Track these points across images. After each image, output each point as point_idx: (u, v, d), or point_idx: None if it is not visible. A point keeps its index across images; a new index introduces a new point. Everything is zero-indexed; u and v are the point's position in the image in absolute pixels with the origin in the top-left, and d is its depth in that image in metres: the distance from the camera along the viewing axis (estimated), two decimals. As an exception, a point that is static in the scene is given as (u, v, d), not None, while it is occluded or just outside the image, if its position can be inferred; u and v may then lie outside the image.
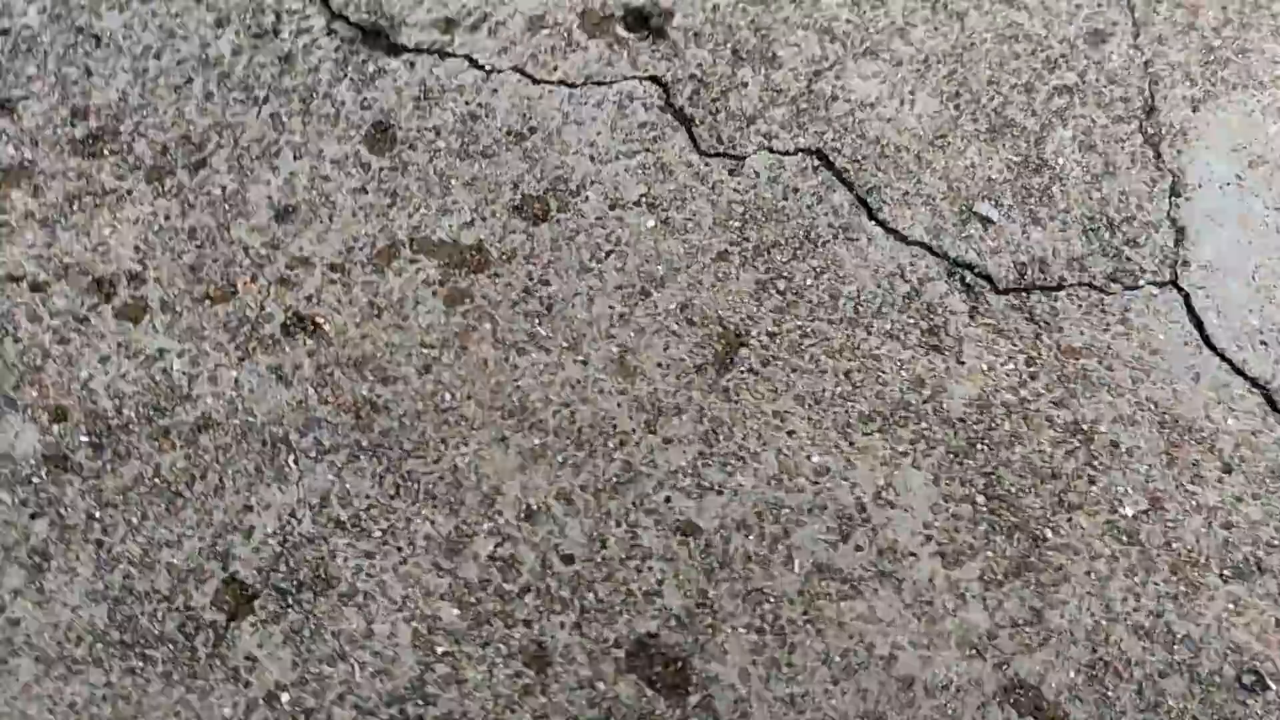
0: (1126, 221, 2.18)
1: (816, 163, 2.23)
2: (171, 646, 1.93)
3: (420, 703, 1.89)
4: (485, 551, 1.97)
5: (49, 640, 1.98)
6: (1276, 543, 1.92)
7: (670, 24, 2.29)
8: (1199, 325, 2.07)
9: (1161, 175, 2.20)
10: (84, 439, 2.07)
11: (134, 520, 2.01)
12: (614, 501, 2.00)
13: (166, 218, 2.20)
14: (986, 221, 2.19)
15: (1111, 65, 2.31)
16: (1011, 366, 2.07)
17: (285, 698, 1.90)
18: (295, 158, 2.22)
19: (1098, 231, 2.19)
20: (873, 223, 2.17)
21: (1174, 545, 1.94)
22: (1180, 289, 2.10)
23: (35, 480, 2.04)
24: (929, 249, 2.15)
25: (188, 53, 2.32)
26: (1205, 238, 2.12)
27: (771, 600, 1.94)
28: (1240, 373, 2.03)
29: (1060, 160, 2.25)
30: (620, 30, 2.29)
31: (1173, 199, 2.19)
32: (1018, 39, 2.33)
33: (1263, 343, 2.04)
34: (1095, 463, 1.99)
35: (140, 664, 1.92)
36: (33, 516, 2.00)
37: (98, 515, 2.03)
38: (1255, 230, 2.13)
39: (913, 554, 1.94)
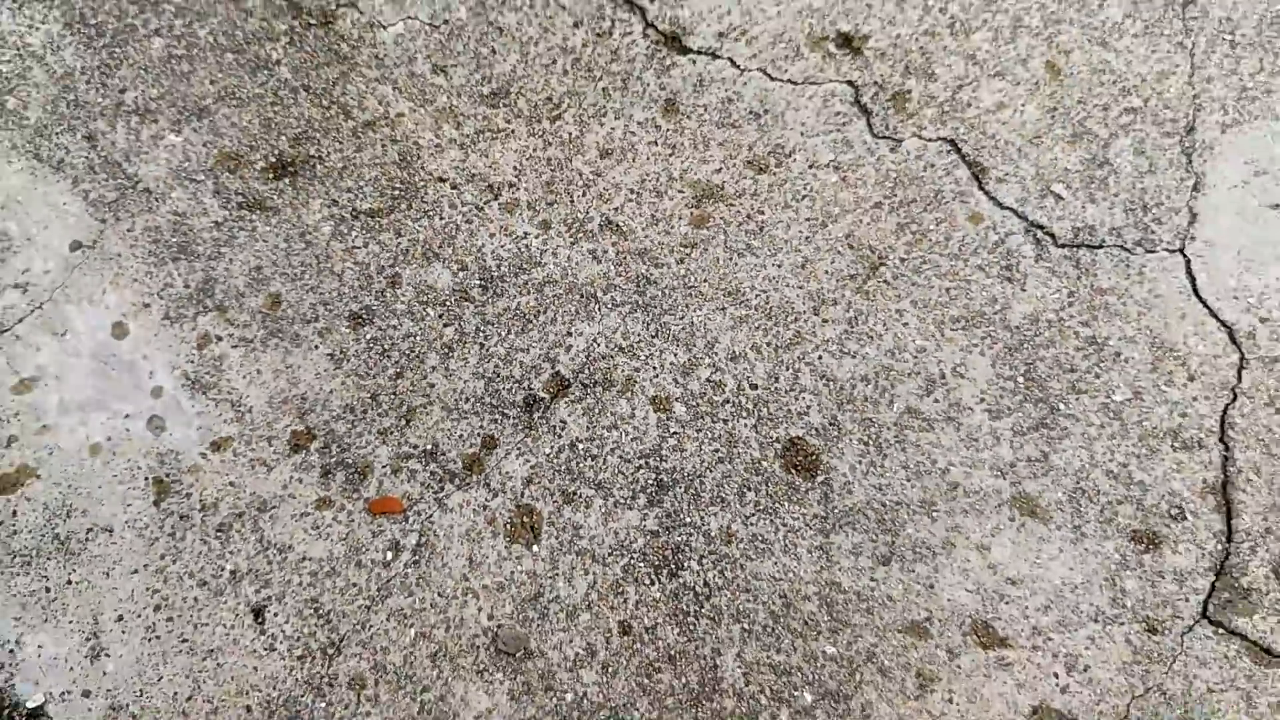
0: (1157, 205, 2.78)
1: (949, 148, 2.88)
2: (518, 410, 2.79)
3: (657, 459, 2.74)
4: (704, 376, 2.76)
5: (453, 399, 2.95)
6: (1214, 428, 2.61)
7: (865, 45, 2.91)
8: (1192, 281, 2.72)
9: (1188, 176, 2.79)
10: (476, 282, 2.84)
11: (502, 334, 2.80)
12: (787, 354, 2.77)
13: (533, 150, 2.92)
14: (1058, 198, 2.82)
15: (1168, 95, 2.87)
16: (1058, 296, 2.74)
17: (581, 447, 2.74)
18: (615, 118, 2.93)
19: (1135, 211, 2.80)
20: (981, 191, 2.85)
21: (1144, 423, 2.65)
22: (1185, 255, 2.75)
23: (447, 304, 2.83)
24: (1015, 212, 2.81)
25: (554, 43, 2.96)
26: (1210, 222, 2.73)
27: (876, 426, 2.71)
28: (1215, 316, 2.68)
29: (1119, 160, 2.85)
30: (831, 47, 2.91)
31: (1193, 193, 2.78)
32: (1105, 72, 2.90)
33: (1234, 297, 2.66)
34: (1102, 364, 2.69)
35: (499, 418, 2.81)
36: (445, 325, 2.80)
37: (482, 328, 2.82)
38: (1247, 220, 2.70)
39: (970, 408, 2.71)
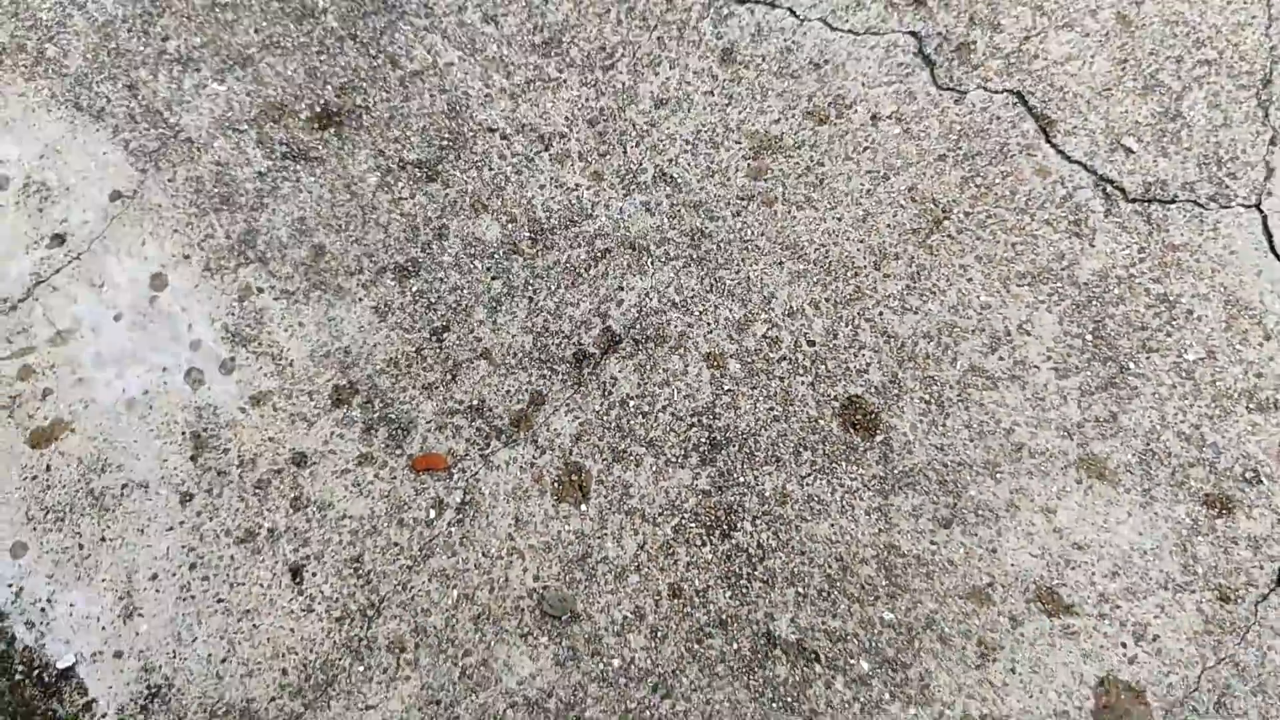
0: (1232, 160, 2.80)
1: (1016, 101, 2.90)
2: (567, 365, 2.78)
3: (710, 417, 2.72)
4: (760, 332, 2.76)
5: (499, 352, 2.92)
6: None
7: None
8: (1269, 238, 2.72)
9: (1265, 130, 2.82)
10: (526, 234, 2.86)
11: (552, 287, 2.82)
12: (846, 310, 2.77)
13: (585, 100, 2.94)
14: (1129, 151, 2.82)
15: (1244, 47, 2.91)
16: (1128, 252, 2.76)
17: (632, 404, 2.73)
18: (670, 68, 2.94)
19: (1209, 165, 2.81)
20: (1048, 145, 2.86)
21: (1218, 383, 2.63)
22: (1261, 211, 2.75)
23: (495, 256, 2.85)
24: (1084, 166, 2.83)
25: None
26: None
27: (938, 384, 2.70)
28: None
29: (1192, 113, 2.87)
30: None
31: (1270, 147, 2.81)
32: (1179, 23, 2.94)
33: None
34: (1173, 322, 2.68)
35: (548, 374, 2.79)
36: (493, 279, 2.80)
37: (531, 282, 2.83)
38: None
39: (1036, 367, 2.69)
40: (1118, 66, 2.91)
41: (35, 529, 2.75)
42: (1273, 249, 2.73)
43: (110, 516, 2.74)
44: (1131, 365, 2.70)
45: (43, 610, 2.69)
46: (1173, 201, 2.79)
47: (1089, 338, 2.73)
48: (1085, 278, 2.77)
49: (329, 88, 2.99)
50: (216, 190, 2.94)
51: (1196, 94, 2.88)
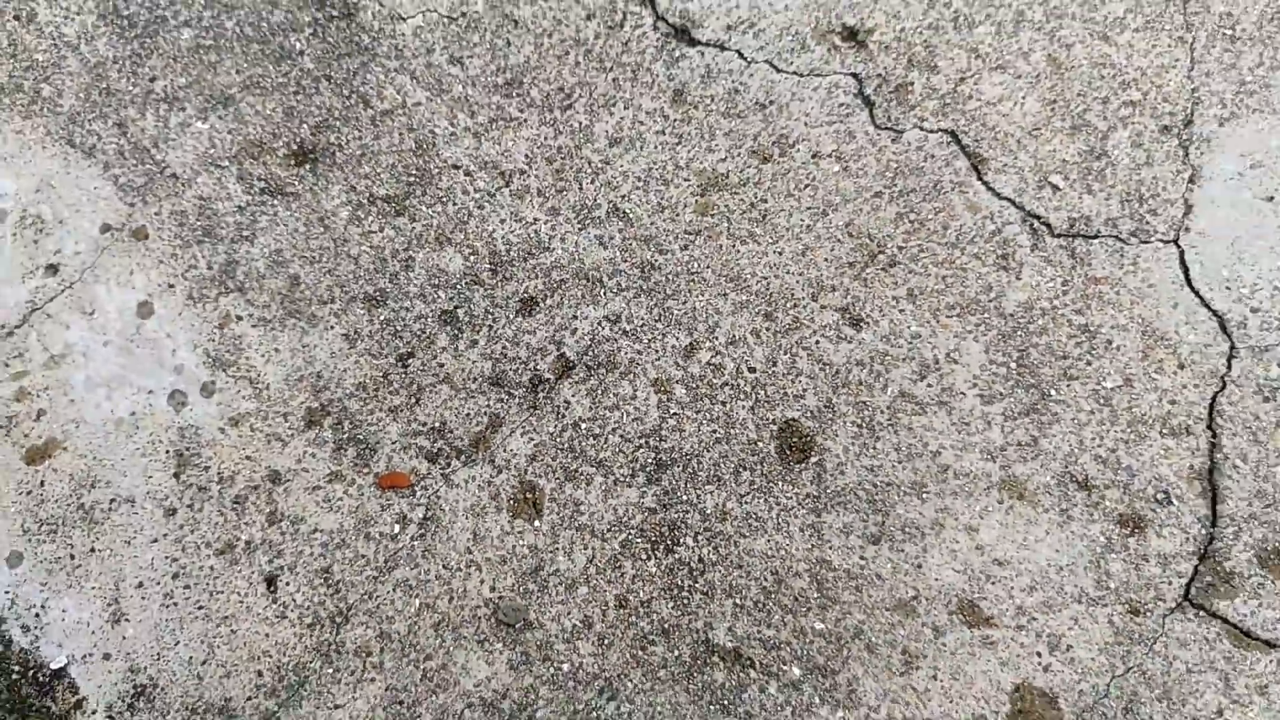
0: (1153, 197, 2.80)
1: (950, 139, 2.91)
2: (524, 390, 2.84)
3: (657, 439, 2.78)
4: (705, 359, 2.81)
5: (460, 378, 3.05)
6: (1202, 415, 2.62)
7: (870, 39, 2.98)
8: (1185, 271, 2.73)
9: (1185, 168, 2.82)
10: (487, 266, 2.89)
11: (509, 316, 2.87)
12: (784, 339, 2.80)
13: (544, 138, 2.96)
14: (1055, 189, 2.84)
15: (1168, 89, 2.89)
16: (1052, 285, 2.76)
17: (584, 426, 2.79)
18: (624, 108, 2.97)
19: (1130, 202, 2.81)
20: (979, 182, 2.87)
21: (1133, 410, 2.64)
22: (1179, 246, 2.77)
23: (457, 286, 2.87)
24: (1012, 202, 2.84)
25: (568, 35, 3.04)
26: (1204, 214, 2.75)
27: (870, 409, 2.73)
28: (1206, 305, 2.69)
29: (1116, 152, 2.86)
30: (836, 40, 2.98)
31: (1189, 185, 2.80)
32: (1105, 65, 2.93)
33: (1226, 288, 2.66)
34: (1093, 352, 2.70)
35: (506, 398, 2.87)
36: (456, 309, 2.85)
37: (491, 311, 2.88)
38: (1241, 213, 2.72)
39: (962, 393, 2.73)
40: (1047, 107, 2.93)
41: (30, 540, 2.81)
42: (1189, 282, 2.77)
43: (99, 529, 2.80)
44: (1053, 392, 2.75)
45: (37, 615, 2.76)
46: (1096, 236, 2.83)
47: (1013, 366, 2.77)
48: (1011, 309, 2.81)
49: (305, 126, 3.03)
50: (199, 223, 2.99)
51: (1121, 134, 2.90)
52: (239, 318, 2.92)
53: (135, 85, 3.13)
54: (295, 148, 3.02)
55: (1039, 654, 2.60)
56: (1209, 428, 2.66)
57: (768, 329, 2.86)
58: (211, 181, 3.03)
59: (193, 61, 3.13)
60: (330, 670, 2.68)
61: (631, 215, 2.97)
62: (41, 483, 2.81)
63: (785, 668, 2.66)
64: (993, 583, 2.64)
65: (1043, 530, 2.65)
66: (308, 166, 3.02)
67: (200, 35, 3.13)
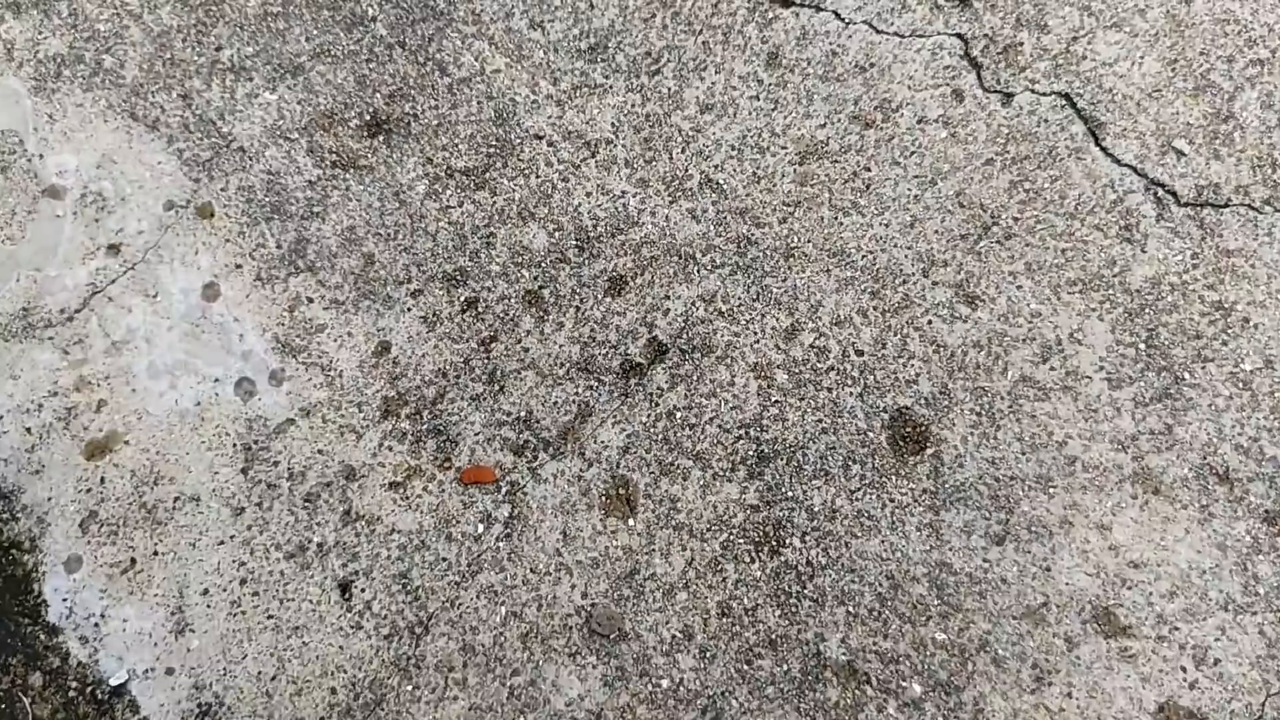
0: None
1: (1064, 103, 2.36)
2: (615, 377, 2.28)
3: (758, 429, 2.23)
4: (808, 341, 2.27)
5: (546, 363, 2.33)
6: None
7: None
8: None
9: None
10: (572, 242, 2.36)
11: (597, 296, 2.32)
12: (894, 319, 2.27)
13: (631, 106, 2.42)
14: (1180, 154, 2.31)
15: None
16: (1180, 258, 2.25)
17: (679, 415, 2.25)
18: (716, 72, 2.42)
19: (1262, 168, 2.34)
20: (1097, 148, 2.32)
21: (1276, 395, 2.16)
22: None
23: (543, 264, 2.35)
24: (1134, 169, 2.30)
25: None
26: None
27: (989, 395, 2.21)
28: None
29: (1245, 114, 2.40)
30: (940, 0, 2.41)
31: None
32: (1229, 22, 2.45)
33: None
34: (1229, 331, 2.20)
35: (595, 384, 2.28)
36: (540, 287, 2.32)
37: (578, 290, 2.34)
38: None
39: (1088, 377, 2.20)
40: (1168, 67, 2.36)
41: (90, 543, 2.29)
42: (1329, 253, 2.35)
43: (163, 530, 2.29)
44: (1187, 375, 2.17)
45: (96, 625, 2.23)
46: (1226, 205, 2.25)
47: (1142, 347, 2.20)
48: (1137, 285, 2.23)
49: (378, 96, 2.52)
50: (268, 199, 2.48)
51: (1249, 94, 2.33)
52: (310, 300, 2.34)
53: (200, 55, 2.58)
54: (368, 119, 2.45)
55: (1183, 669, 2.04)
56: (1361, 413, 2.14)
57: (875, 308, 2.28)
58: (280, 155, 2.44)
59: (260, 29, 2.58)
60: (410, 687, 2.10)
61: (725, 186, 2.37)
62: (102, 480, 2.22)
63: (905, 684, 2.10)
64: (1129, 588, 2.07)
65: (1182, 529, 2.08)
66: (381, 138, 2.44)
67: (268, 2, 2.61)
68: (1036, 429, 2.19)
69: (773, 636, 2.18)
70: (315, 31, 2.63)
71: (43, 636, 2.23)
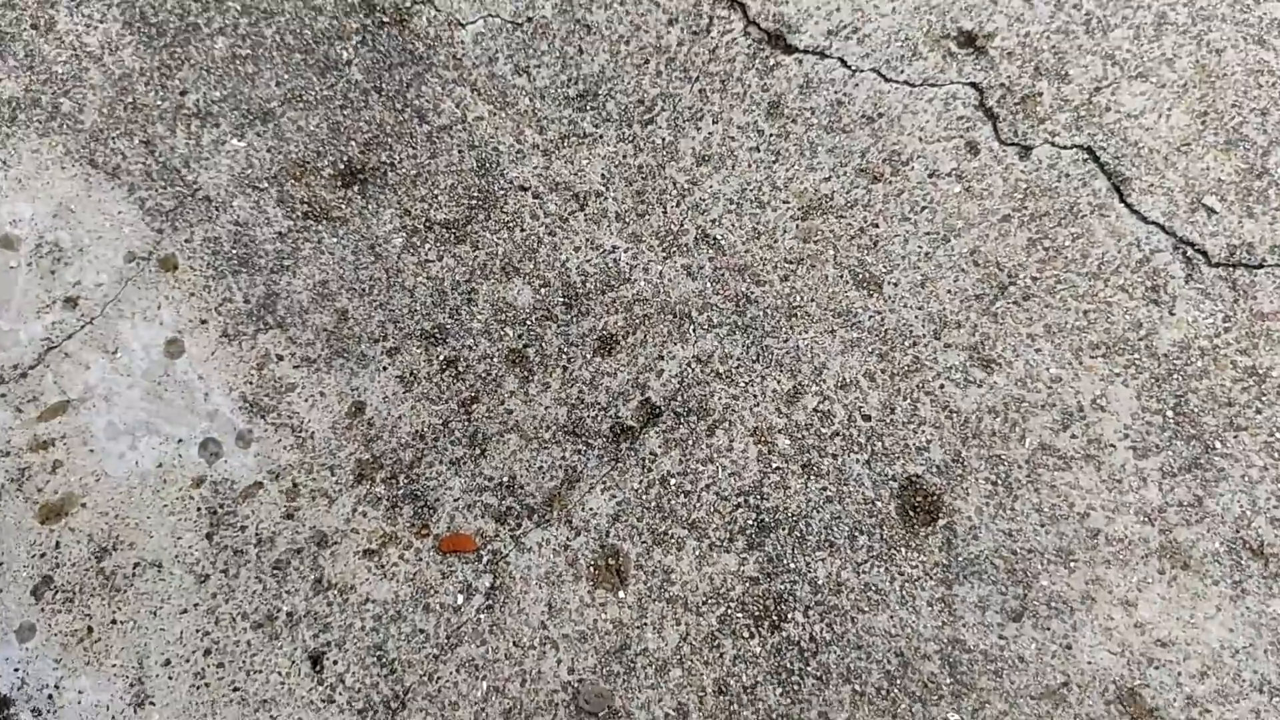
0: None
1: (1086, 156, 2.70)
2: (604, 440, 2.63)
3: (758, 497, 2.59)
4: (811, 405, 2.63)
5: (531, 426, 2.75)
6: None
7: (990, 44, 2.80)
8: None
9: None
10: (560, 299, 2.70)
11: (587, 355, 2.67)
12: (904, 382, 2.63)
13: (623, 156, 2.77)
14: (1211, 211, 2.64)
15: None
16: (1211, 321, 2.58)
17: (673, 482, 2.60)
18: (713, 122, 2.78)
19: None
20: (1122, 204, 2.67)
21: None
22: None
23: (527, 322, 2.70)
24: (1162, 228, 2.64)
25: (647, 41, 2.85)
26: None
27: (1005, 464, 2.54)
28: None
29: (1279, 170, 2.67)
30: (952, 46, 2.81)
31: None
32: (1263, 73, 2.72)
33: None
34: (1263, 399, 2.52)
35: (583, 448, 2.63)
36: (525, 346, 2.67)
37: (565, 350, 2.68)
38: None
39: (1112, 445, 2.53)
40: (1197, 120, 2.73)
41: (44, 610, 2.70)
42: (1369, 317, 2.64)
43: (122, 597, 2.67)
44: (1218, 445, 2.53)
45: (50, 698, 2.61)
46: (1260, 266, 2.61)
47: (1170, 414, 2.57)
48: (1165, 349, 2.61)
49: (353, 144, 2.86)
50: (235, 252, 2.82)
51: None
52: (280, 357, 2.73)
53: (164, 99, 3.06)
54: (342, 168, 2.84)
55: (1215, 755, 2.39)
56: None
57: (883, 371, 2.67)
58: (249, 205, 2.85)
59: (228, 73, 3.05)
60: (383, 766, 2.48)
61: (723, 242, 2.78)
62: (57, 544, 2.61)
63: (916, 768, 2.45)
64: (1156, 667, 2.42)
65: (1213, 605, 2.42)
66: (356, 188, 2.84)
67: (236, 44, 2.98)
68: (1057, 500, 2.54)
69: (773, 716, 2.44)
70: (286, 76, 3.11)
71: (-10, 711, 2.63)
